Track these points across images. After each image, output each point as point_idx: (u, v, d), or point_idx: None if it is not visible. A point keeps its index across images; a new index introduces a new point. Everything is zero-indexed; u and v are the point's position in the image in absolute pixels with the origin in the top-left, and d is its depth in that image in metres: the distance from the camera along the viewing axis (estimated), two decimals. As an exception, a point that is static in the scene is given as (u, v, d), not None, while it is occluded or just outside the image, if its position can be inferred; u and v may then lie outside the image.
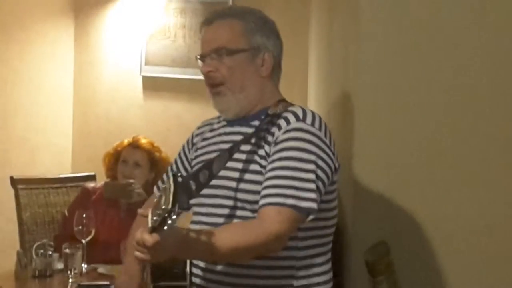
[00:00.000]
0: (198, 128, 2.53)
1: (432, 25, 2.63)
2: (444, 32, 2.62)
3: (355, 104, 2.67)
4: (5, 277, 3.62)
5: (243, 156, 2.23)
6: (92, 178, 4.49)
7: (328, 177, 2.20)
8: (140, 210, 2.20)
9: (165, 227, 1.86)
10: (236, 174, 2.22)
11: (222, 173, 2.20)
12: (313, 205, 2.13)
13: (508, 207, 2.60)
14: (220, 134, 2.38)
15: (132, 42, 4.95)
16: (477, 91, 2.62)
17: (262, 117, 2.28)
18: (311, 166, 2.15)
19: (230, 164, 2.21)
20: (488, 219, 2.60)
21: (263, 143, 2.22)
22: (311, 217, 2.14)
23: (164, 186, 1.93)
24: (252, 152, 2.23)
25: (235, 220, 2.22)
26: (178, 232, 1.98)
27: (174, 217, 1.85)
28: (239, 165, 2.23)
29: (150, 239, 1.89)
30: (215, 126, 2.43)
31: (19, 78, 4.93)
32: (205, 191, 2.23)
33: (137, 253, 1.95)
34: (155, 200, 1.94)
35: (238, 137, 2.27)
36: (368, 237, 2.55)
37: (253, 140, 2.24)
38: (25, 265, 3.62)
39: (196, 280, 2.27)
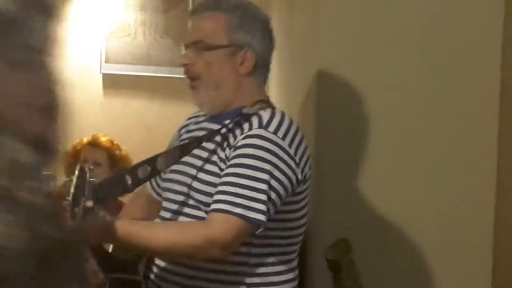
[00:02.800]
0: (187, 119, 2.48)
1: (395, 15, 2.61)
2: (408, 22, 2.61)
3: (316, 99, 2.64)
4: None
5: (204, 154, 2.19)
6: (51, 178, 4.41)
7: (285, 188, 2.11)
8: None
9: (75, 217, 1.88)
10: (193, 171, 2.19)
11: (181, 167, 2.19)
12: (261, 217, 2.05)
13: (469, 201, 2.60)
14: (199, 129, 2.33)
15: (91, 40, 4.89)
16: (438, 88, 2.61)
17: (234, 116, 2.21)
18: (265, 176, 2.07)
19: (190, 159, 2.18)
20: (451, 215, 2.60)
21: (225, 145, 2.17)
22: (260, 229, 2.08)
23: (71, 177, 1.93)
24: (213, 152, 2.18)
25: (181, 218, 2.19)
26: (102, 222, 1.97)
27: (76, 209, 1.87)
28: (199, 163, 2.19)
29: None
30: (200, 119, 2.38)
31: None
32: (166, 185, 2.25)
33: None
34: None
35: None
36: (329, 234, 2.53)
37: (218, 139, 2.19)
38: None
39: (151, 276, 2.26)
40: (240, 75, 2.23)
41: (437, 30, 2.60)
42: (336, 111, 2.59)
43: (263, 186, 2.06)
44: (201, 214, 2.16)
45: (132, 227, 2.03)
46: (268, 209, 2.06)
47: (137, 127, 4.78)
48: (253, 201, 2.05)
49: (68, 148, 4.13)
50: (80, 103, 4.91)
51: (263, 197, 2.06)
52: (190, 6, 4.52)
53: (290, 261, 2.25)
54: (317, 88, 2.63)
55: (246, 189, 2.06)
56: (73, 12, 4.93)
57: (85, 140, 4.13)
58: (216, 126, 2.24)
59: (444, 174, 2.59)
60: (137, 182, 2.08)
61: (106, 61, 4.83)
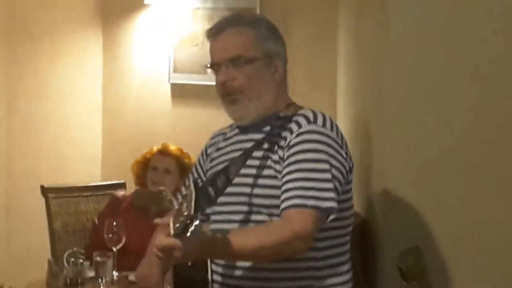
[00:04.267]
0: (211, 138, 2.55)
1: (464, 25, 2.59)
2: (476, 33, 2.58)
3: (385, 111, 2.64)
4: (37, 285, 3.70)
5: (256, 162, 2.25)
6: (121, 186, 4.50)
7: (343, 175, 2.22)
8: (157, 220, 2.20)
9: (188, 233, 1.89)
10: (250, 180, 2.25)
11: (236, 180, 2.21)
12: (333, 204, 2.15)
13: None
14: (233, 143, 2.39)
15: (160, 50, 4.97)
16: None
17: (273, 122, 2.29)
18: (326, 166, 2.17)
19: (243, 170, 2.21)
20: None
21: (276, 148, 2.24)
22: (332, 216, 2.16)
23: (184, 193, 1.95)
24: (265, 158, 2.25)
25: (252, 225, 2.24)
26: (200, 235, 1.99)
27: (196, 222, 1.88)
28: (253, 171, 2.25)
29: (169, 241, 1.94)
30: (228, 135, 2.45)
31: (49, 89, 4.98)
32: (220, 199, 2.23)
33: (158, 255, 2.00)
34: (176, 207, 1.95)
35: (251, 144, 2.27)
36: (399, 241, 2.53)
37: (265, 146, 2.26)
38: (56, 274, 3.66)
39: (217, 286, 2.29)
40: (276, 83, 2.33)
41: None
42: (406, 119, 2.58)
43: (327, 175, 2.16)
44: (263, 217, 2.23)
45: (225, 238, 2.07)
46: (335, 196, 2.16)
47: (205, 136, 4.79)
48: (322, 191, 2.14)
49: (139, 157, 4.21)
50: (149, 112, 5.00)
51: (329, 185, 2.16)
52: (258, 15, 4.55)
53: (345, 252, 2.33)
54: (387, 95, 2.62)
55: (312, 181, 2.15)
56: (141, 24, 5.02)
57: (155, 148, 4.21)
58: (256, 135, 2.31)
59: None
60: (219, 192, 2.11)
61: (175, 71, 4.91)
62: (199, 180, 2.06)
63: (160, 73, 4.97)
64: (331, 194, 2.15)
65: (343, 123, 3.77)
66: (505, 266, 2.57)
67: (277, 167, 2.22)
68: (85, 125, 5.18)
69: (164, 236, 1.96)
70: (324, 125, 2.24)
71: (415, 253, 2.45)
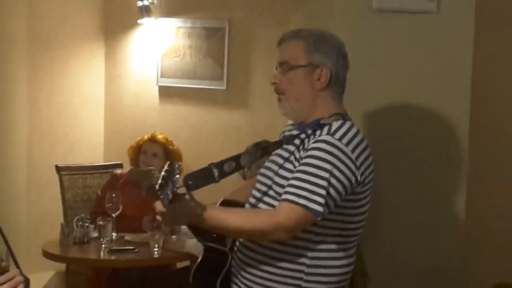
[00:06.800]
0: (286, 126, 2.45)
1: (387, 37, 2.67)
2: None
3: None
4: (52, 244, 3.84)
5: (285, 154, 2.24)
6: (120, 166, 4.65)
7: (344, 186, 2.11)
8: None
9: (162, 202, 1.93)
10: (275, 168, 2.24)
11: (269, 164, 2.27)
12: (320, 208, 2.07)
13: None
14: (286, 135, 2.39)
15: (150, 59, 4.98)
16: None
17: (314, 126, 2.21)
18: (325, 174, 2.08)
19: (275, 158, 2.26)
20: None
21: (301, 148, 2.19)
22: (318, 218, 2.09)
23: (161, 170, 2.00)
24: (292, 153, 2.21)
25: (261, 204, 2.23)
26: (189, 207, 2.03)
27: (161, 196, 1.91)
28: (280, 161, 2.24)
29: (156, 208, 2.03)
30: (292, 127, 2.38)
31: (62, 89, 5.02)
32: (258, 176, 2.31)
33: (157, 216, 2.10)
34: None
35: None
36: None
37: (297, 143, 2.22)
38: (67, 234, 3.77)
39: (235, 248, 2.28)
40: (316, 89, 2.21)
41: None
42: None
43: (323, 183, 2.08)
44: (274, 202, 2.18)
45: (212, 211, 2.07)
46: (326, 202, 2.08)
47: (185, 127, 4.88)
48: (315, 194, 2.07)
49: (133, 143, 4.28)
50: (141, 108, 5.04)
51: (322, 192, 2.07)
52: (227, 35, 4.76)
53: (347, 249, 2.23)
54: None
55: (309, 184, 2.08)
56: (136, 38, 5.04)
57: (145, 137, 4.33)
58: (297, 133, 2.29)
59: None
60: (223, 175, 2.07)
61: (161, 76, 4.93)
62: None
63: (150, 78, 4.99)
64: (321, 200, 2.06)
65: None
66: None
67: (296, 163, 2.16)
68: (91, 118, 5.18)
69: (159, 202, 2.00)
70: (341, 138, 2.12)
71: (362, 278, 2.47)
